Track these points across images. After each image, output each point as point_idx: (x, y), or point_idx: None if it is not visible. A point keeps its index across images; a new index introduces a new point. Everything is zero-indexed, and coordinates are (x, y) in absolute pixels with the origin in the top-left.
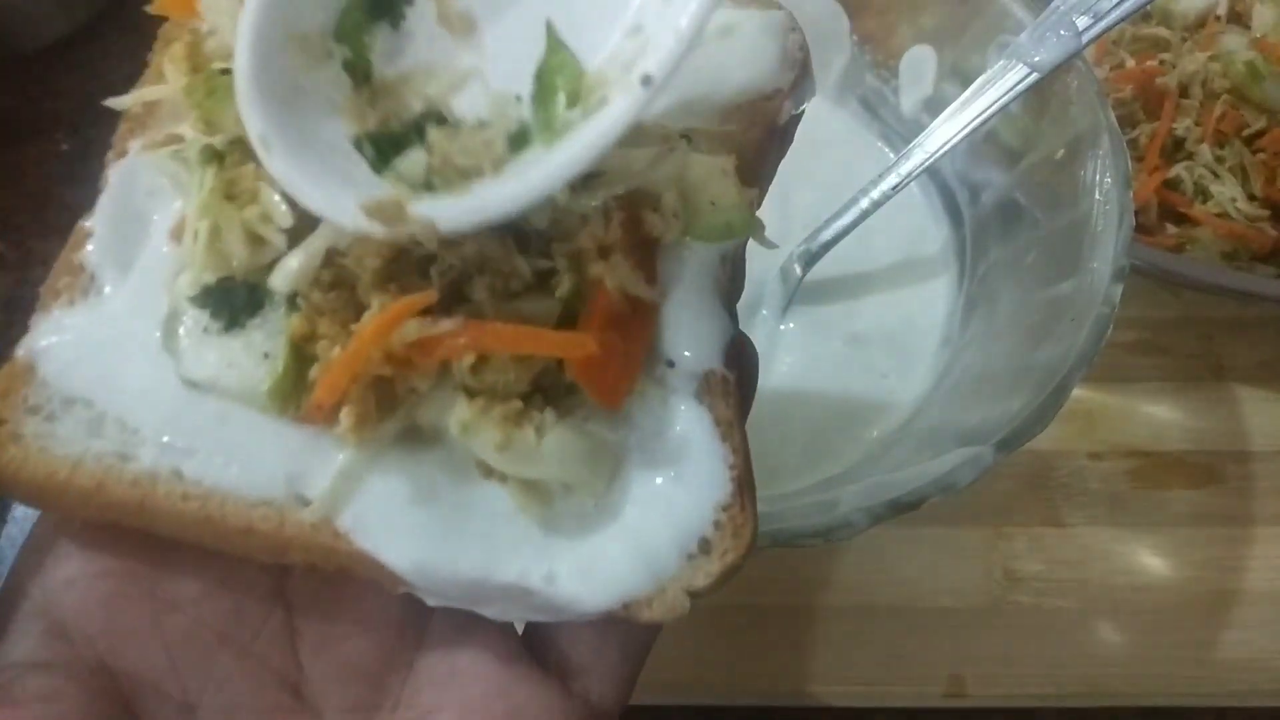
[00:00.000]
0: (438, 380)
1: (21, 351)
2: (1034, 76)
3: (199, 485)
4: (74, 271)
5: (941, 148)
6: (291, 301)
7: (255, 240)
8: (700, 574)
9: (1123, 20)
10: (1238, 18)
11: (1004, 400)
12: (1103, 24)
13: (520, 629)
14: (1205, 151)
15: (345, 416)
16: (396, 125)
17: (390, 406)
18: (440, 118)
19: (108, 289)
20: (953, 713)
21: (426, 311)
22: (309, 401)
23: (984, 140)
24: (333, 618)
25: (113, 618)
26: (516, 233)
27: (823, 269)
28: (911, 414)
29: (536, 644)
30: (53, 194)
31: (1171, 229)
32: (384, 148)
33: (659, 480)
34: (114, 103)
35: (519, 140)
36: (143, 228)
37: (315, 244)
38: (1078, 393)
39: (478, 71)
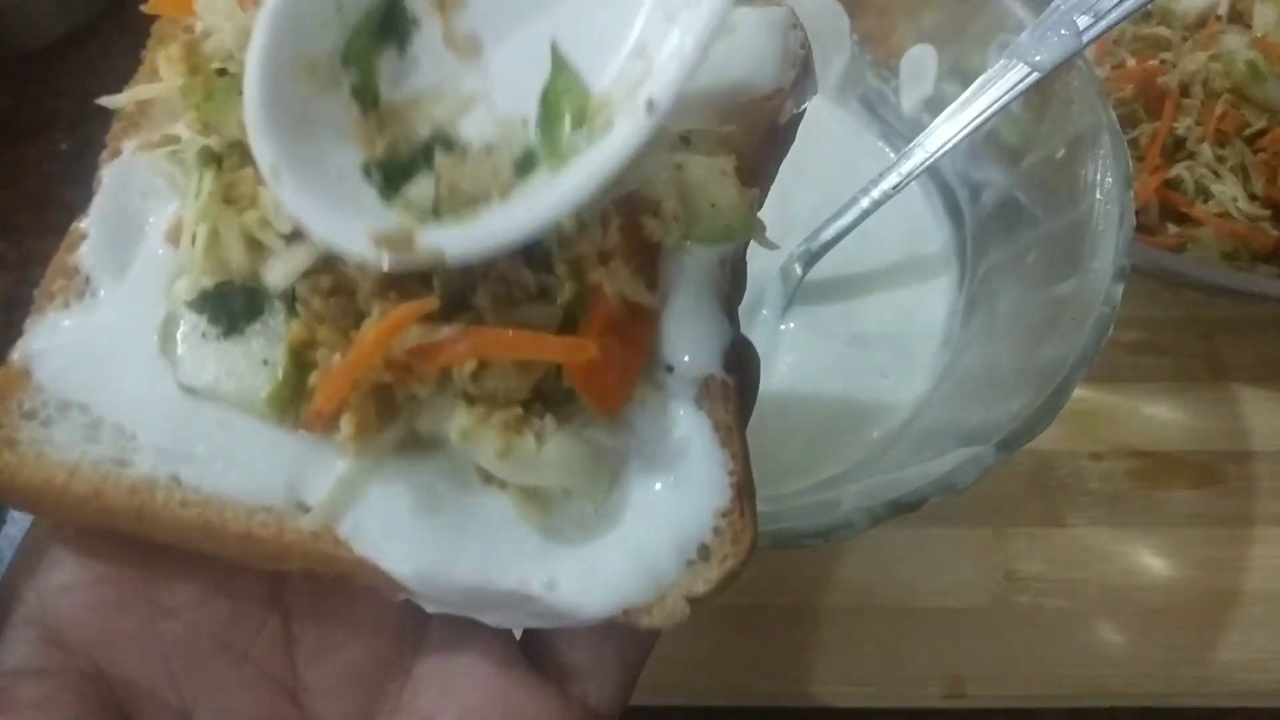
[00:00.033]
0: (438, 387)
1: (16, 355)
2: (1035, 76)
3: (197, 492)
4: (69, 274)
5: (942, 147)
6: (291, 308)
7: (254, 245)
8: (700, 580)
9: (1123, 19)
10: (1239, 17)
11: (1005, 400)
12: (1103, 23)
13: (518, 634)
14: (1206, 151)
15: (345, 424)
16: (404, 150)
17: (390, 414)
18: (447, 142)
19: (103, 292)
20: (953, 713)
21: (427, 318)
22: (309, 409)
23: (985, 140)
24: (330, 624)
25: (108, 624)
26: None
27: (823, 269)
28: (912, 414)
29: (534, 649)
30: (52, 194)
31: (1172, 229)
32: (392, 174)
33: (659, 486)
34: (108, 101)
35: (525, 165)
36: (138, 229)
37: (314, 245)
38: (1078, 393)
39: (484, 94)
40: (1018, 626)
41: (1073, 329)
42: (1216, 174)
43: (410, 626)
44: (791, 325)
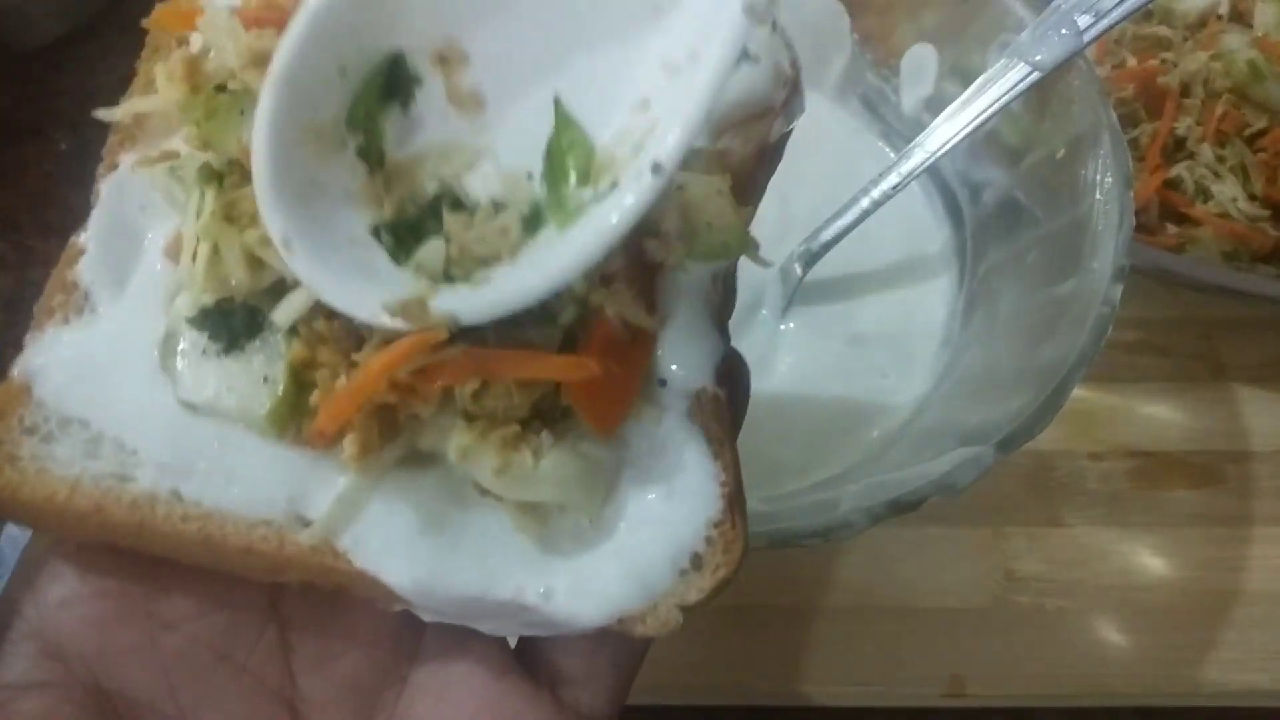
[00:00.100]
0: (440, 406)
1: (16, 371)
2: (1035, 75)
3: (198, 506)
4: (68, 289)
5: (942, 147)
6: (291, 326)
7: (255, 263)
8: (692, 589)
9: (1124, 19)
10: (1239, 17)
11: (1004, 400)
12: (1104, 23)
13: (513, 643)
14: (1206, 151)
15: (348, 445)
16: (412, 209)
17: (393, 433)
18: (455, 199)
19: (102, 307)
20: (953, 713)
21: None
22: (311, 428)
23: (985, 139)
24: (327, 634)
25: (107, 638)
26: None
27: (823, 269)
28: (912, 414)
29: (529, 657)
30: (53, 194)
31: (1172, 229)
32: (402, 236)
33: (652, 498)
34: (104, 114)
35: (533, 222)
36: (136, 244)
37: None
38: (1078, 393)
39: (489, 149)
40: (1018, 626)
41: (1072, 329)
42: (1216, 174)
43: (406, 636)
44: (791, 325)
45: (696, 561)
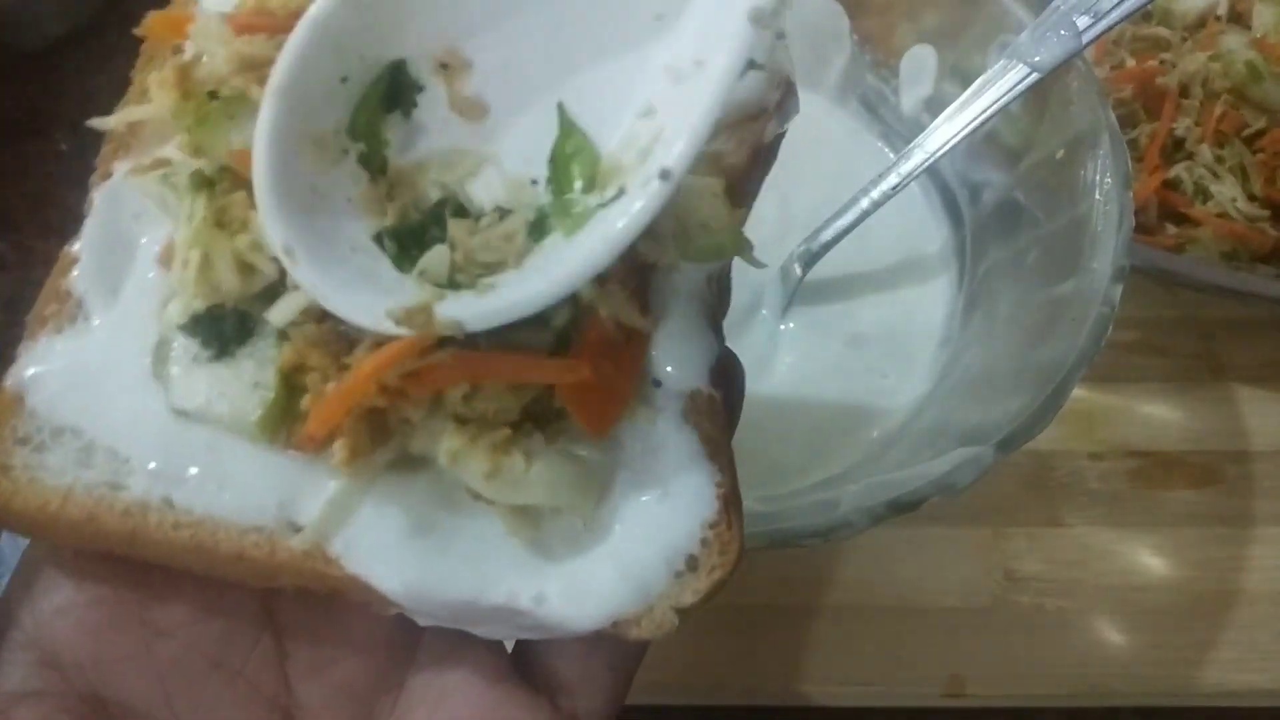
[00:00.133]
0: (430, 410)
1: (9, 382)
2: (1034, 76)
3: (190, 514)
4: (61, 298)
5: (942, 148)
6: (282, 330)
7: (246, 269)
8: (688, 591)
9: (1123, 20)
10: (1238, 17)
11: (1004, 400)
12: (1103, 24)
13: (510, 646)
14: (1205, 151)
15: (339, 449)
16: (415, 216)
17: (383, 437)
18: (458, 206)
19: (95, 316)
20: (953, 713)
21: None
22: (301, 432)
23: (984, 140)
24: (322, 640)
25: (103, 646)
26: None
27: (823, 269)
28: (911, 414)
29: (525, 661)
30: (52, 194)
31: (1171, 229)
32: (405, 243)
33: (646, 499)
34: (97, 123)
35: (539, 229)
36: (129, 252)
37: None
38: (1078, 393)
39: (492, 156)
40: (1018, 626)
41: (1072, 329)
42: (1215, 174)
43: (403, 641)
44: (791, 325)
45: (692, 563)
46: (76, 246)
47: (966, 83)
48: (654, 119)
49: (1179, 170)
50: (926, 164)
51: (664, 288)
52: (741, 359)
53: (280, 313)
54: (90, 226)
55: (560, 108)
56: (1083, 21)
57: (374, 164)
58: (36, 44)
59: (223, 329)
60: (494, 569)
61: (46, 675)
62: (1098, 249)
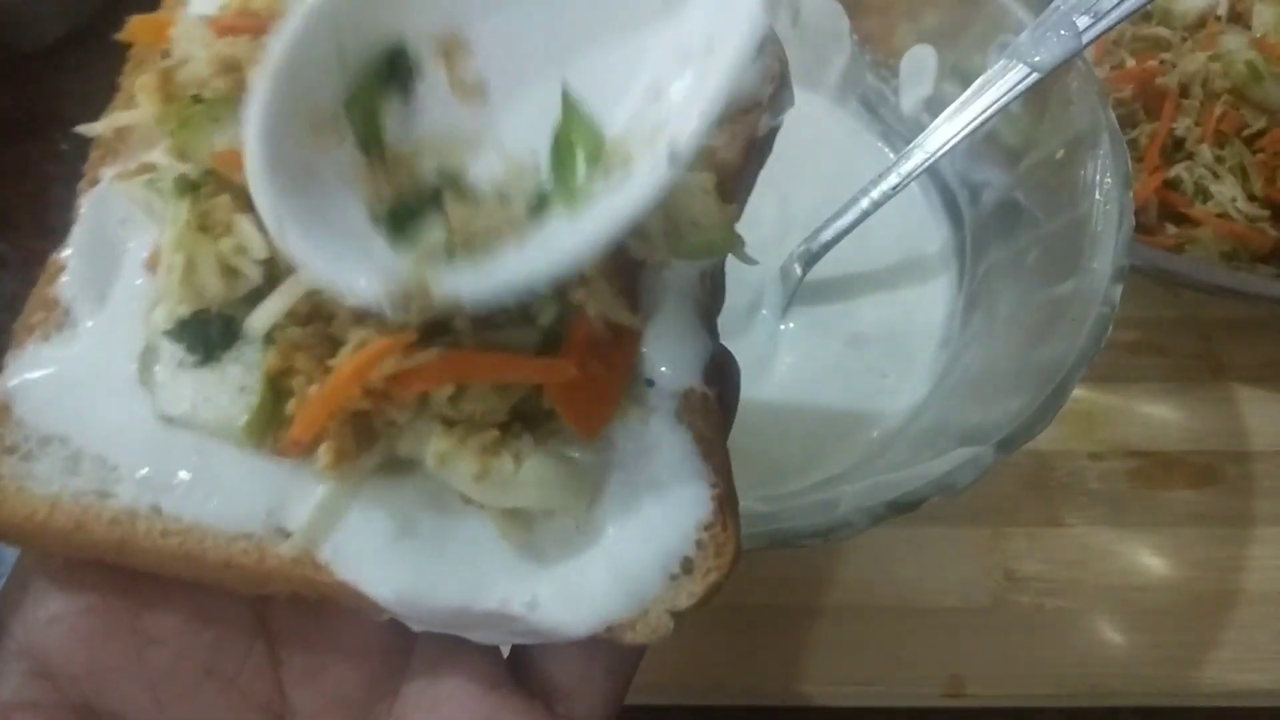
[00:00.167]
0: (417, 412)
1: None
2: (1034, 76)
3: (178, 521)
4: (48, 306)
5: (942, 148)
6: (267, 334)
7: (230, 272)
8: (683, 594)
9: (1123, 20)
10: (1238, 17)
11: (1004, 400)
12: (1103, 24)
13: (506, 651)
14: (1205, 151)
15: (324, 453)
16: (412, 195)
17: (369, 440)
18: (456, 185)
19: (83, 323)
20: (953, 713)
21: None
22: (286, 437)
23: (984, 140)
24: (316, 647)
25: (95, 655)
26: None
27: (823, 269)
28: (911, 414)
29: (521, 666)
30: (52, 194)
31: (1171, 229)
32: (401, 219)
33: (640, 501)
34: (85, 129)
35: (540, 209)
36: (117, 258)
37: (293, 287)
38: (1078, 393)
39: (493, 139)
40: (1017, 626)
41: (1072, 329)
42: (1215, 174)
43: (397, 647)
44: (791, 325)
45: (687, 566)
46: (64, 254)
47: (966, 83)
48: (662, 102)
49: (1179, 170)
50: (926, 164)
51: (655, 285)
52: (741, 359)
53: (261, 319)
54: (78, 233)
55: (564, 90)
56: (1083, 21)
57: (371, 145)
58: (36, 44)
59: (208, 334)
60: (486, 574)
61: (39, 685)
62: (1098, 249)
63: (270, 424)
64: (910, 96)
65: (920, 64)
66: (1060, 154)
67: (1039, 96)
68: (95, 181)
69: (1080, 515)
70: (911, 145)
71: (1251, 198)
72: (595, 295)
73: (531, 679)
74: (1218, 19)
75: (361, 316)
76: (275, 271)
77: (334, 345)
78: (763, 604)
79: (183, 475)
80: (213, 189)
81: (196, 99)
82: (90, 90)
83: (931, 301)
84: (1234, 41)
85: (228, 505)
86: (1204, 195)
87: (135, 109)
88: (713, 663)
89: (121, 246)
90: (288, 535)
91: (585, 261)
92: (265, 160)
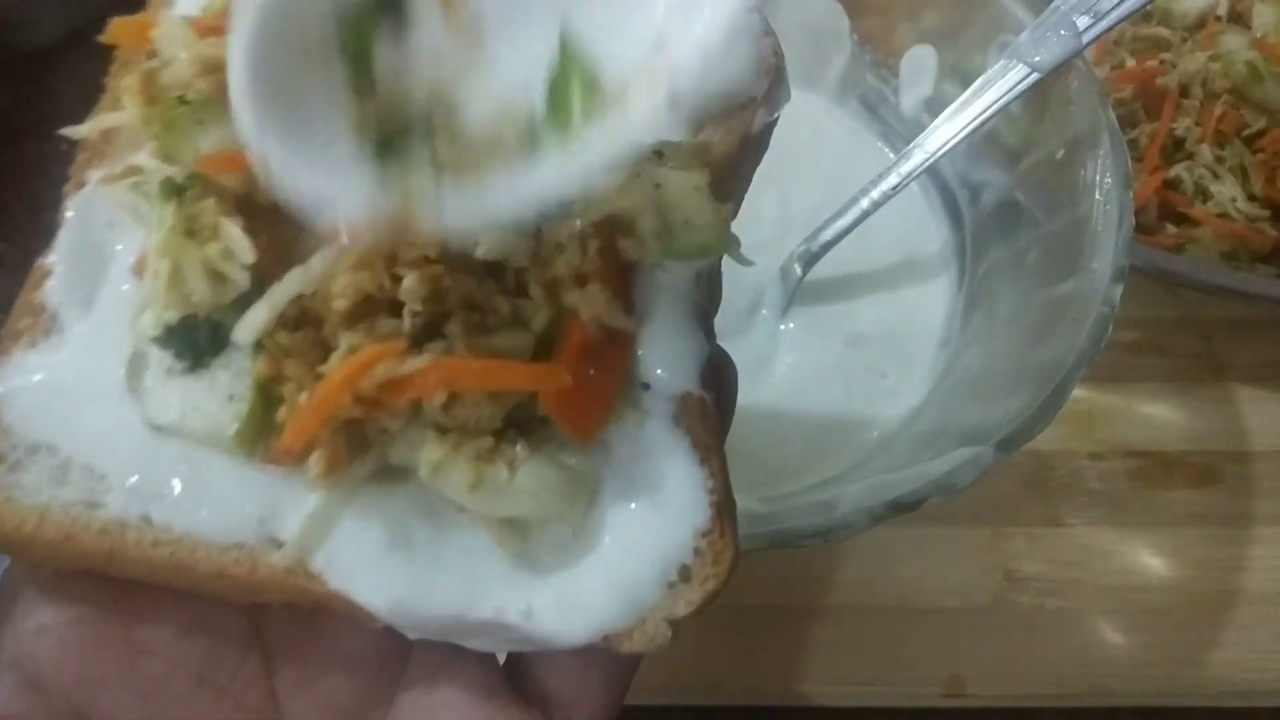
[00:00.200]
0: (409, 419)
1: None
2: (1034, 76)
3: (169, 531)
4: (35, 312)
5: (942, 148)
6: (257, 340)
7: (217, 277)
8: (681, 602)
9: (1123, 20)
10: (1238, 18)
11: (1004, 400)
12: (1103, 24)
13: (502, 658)
14: (1205, 151)
15: (315, 461)
16: (400, 128)
17: (361, 448)
18: (447, 120)
19: (70, 329)
20: (953, 713)
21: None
22: (277, 445)
23: (984, 140)
24: (310, 656)
25: (86, 666)
26: (494, 268)
27: (823, 269)
28: (911, 414)
29: (518, 674)
30: (53, 194)
31: (1171, 229)
32: (388, 150)
33: (637, 508)
34: (70, 131)
35: (531, 143)
36: (103, 263)
37: (279, 295)
38: (1078, 393)
39: (486, 76)
40: (1017, 626)
41: (1072, 329)
42: (1215, 174)
43: (392, 656)
44: (791, 325)
45: (684, 573)
46: (50, 259)
47: (966, 83)
48: (661, 51)
49: (1179, 170)
50: (926, 164)
51: (650, 287)
52: (741, 359)
53: (249, 325)
54: (64, 238)
55: (562, 34)
56: (1083, 21)
57: (361, 77)
58: (36, 44)
59: (196, 340)
60: (480, 582)
61: (29, 697)
62: (1098, 249)
63: (261, 432)
64: (910, 96)
65: (920, 64)
66: (1060, 154)
67: (1039, 96)
68: (82, 184)
69: (1080, 515)
70: (911, 145)
71: (1251, 198)
72: (589, 299)
73: (528, 687)
74: (1218, 19)
75: (352, 321)
76: (263, 276)
77: (324, 350)
78: (763, 604)
79: (173, 484)
80: (199, 192)
81: (181, 101)
82: (90, 91)
83: (931, 301)
84: (1234, 41)
85: (219, 515)
86: (1204, 195)
87: (120, 111)
88: (713, 663)
89: (108, 251)
90: (280, 545)
91: (574, 194)
92: (248, 66)
